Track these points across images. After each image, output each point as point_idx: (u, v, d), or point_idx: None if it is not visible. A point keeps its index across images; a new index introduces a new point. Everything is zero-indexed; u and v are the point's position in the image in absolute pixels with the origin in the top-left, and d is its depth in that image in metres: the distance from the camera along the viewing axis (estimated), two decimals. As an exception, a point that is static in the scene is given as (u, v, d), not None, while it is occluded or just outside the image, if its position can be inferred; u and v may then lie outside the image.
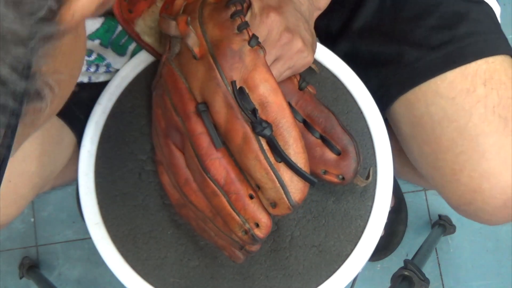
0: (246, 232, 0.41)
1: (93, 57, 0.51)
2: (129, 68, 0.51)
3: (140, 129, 0.50)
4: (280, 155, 0.38)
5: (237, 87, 0.38)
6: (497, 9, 0.56)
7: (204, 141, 0.40)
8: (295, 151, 0.38)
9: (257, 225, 0.40)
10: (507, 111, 0.49)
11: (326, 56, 0.50)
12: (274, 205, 0.39)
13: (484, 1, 0.55)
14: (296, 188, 0.38)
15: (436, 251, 1.00)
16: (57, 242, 1.02)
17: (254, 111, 0.38)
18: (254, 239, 0.40)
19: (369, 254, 0.47)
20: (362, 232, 0.48)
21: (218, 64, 0.38)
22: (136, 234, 0.49)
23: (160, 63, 0.44)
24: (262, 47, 0.39)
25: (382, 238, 0.48)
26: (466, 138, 0.49)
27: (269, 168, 0.38)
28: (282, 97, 0.38)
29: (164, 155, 0.44)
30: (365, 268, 0.93)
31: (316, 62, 0.49)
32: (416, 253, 0.80)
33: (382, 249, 0.95)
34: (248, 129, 0.38)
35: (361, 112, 0.49)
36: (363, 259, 0.47)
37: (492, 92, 0.49)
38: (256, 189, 0.40)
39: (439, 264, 1.00)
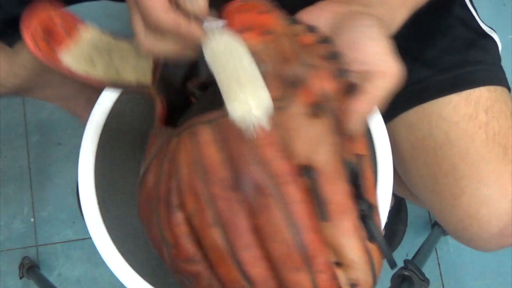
0: None
1: None
2: (129, 68, 0.51)
3: (140, 129, 0.50)
4: (373, 236, 0.33)
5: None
6: (499, 45, 0.58)
7: (304, 210, 0.31)
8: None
9: None
10: (507, 140, 0.50)
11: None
12: (354, 286, 0.33)
13: (491, 36, 0.57)
14: (378, 267, 0.34)
15: (436, 251, 1.00)
16: (57, 242, 1.02)
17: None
18: None
19: (369, 254, 0.47)
20: (362, 232, 0.48)
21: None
22: (136, 234, 0.49)
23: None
24: None
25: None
26: (468, 163, 0.50)
27: (365, 248, 0.33)
28: None
29: (223, 208, 0.32)
30: (365, 268, 0.93)
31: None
32: (416, 253, 0.80)
33: None
34: (350, 202, 0.33)
35: (361, 112, 0.49)
36: (363, 259, 0.47)
37: (493, 120, 0.50)
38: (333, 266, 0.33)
39: (439, 264, 1.00)
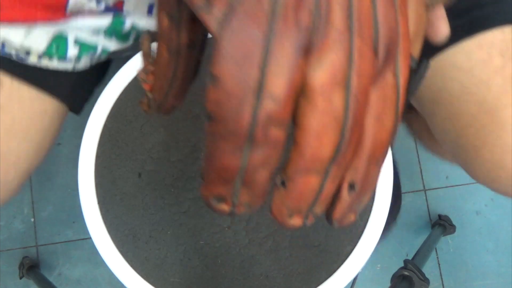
0: None
1: (98, 52, 0.52)
2: (129, 67, 0.51)
3: (140, 129, 0.50)
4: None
5: None
6: None
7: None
8: None
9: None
10: None
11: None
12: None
13: None
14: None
15: (436, 251, 1.00)
16: (57, 242, 1.02)
17: None
18: None
19: (369, 254, 0.47)
20: (362, 232, 0.48)
21: None
22: (136, 234, 0.49)
23: None
24: None
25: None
26: (486, 112, 0.48)
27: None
28: None
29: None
30: (365, 268, 0.93)
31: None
32: (416, 253, 0.80)
33: None
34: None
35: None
36: (363, 259, 0.47)
37: (510, 62, 0.48)
38: None
39: (439, 264, 1.00)
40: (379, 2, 0.24)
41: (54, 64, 0.52)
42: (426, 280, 0.64)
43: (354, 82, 0.24)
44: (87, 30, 0.52)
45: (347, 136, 0.25)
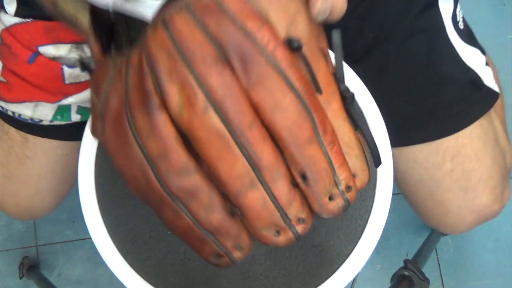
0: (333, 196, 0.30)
1: None
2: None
3: (140, 129, 0.50)
4: (357, 125, 0.32)
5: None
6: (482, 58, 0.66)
7: (300, 73, 0.28)
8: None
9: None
10: (468, 181, 0.62)
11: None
12: (355, 175, 0.31)
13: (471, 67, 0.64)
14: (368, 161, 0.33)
15: (436, 251, 1.00)
16: (57, 242, 1.02)
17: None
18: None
19: (369, 254, 0.48)
20: (362, 232, 0.48)
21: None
22: (136, 234, 0.49)
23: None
24: None
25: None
26: (435, 201, 0.65)
27: (355, 133, 0.31)
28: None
29: (215, 85, 0.28)
30: (365, 268, 0.93)
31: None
32: (416, 253, 0.80)
33: None
34: (336, 86, 0.31)
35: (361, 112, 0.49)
36: (363, 259, 0.47)
37: (458, 166, 0.62)
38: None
39: (439, 264, 1.00)
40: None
41: (64, 122, 0.63)
42: (426, 280, 0.64)
43: (228, 104, 0.27)
44: (85, 101, 0.60)
45: (245, 141, 0.27)
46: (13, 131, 0.63)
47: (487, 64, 0.65)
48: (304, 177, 0.29)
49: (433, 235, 0.89)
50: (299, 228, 0.30)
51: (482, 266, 1.00)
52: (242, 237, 0.30)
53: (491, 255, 1.00)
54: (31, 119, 0.61)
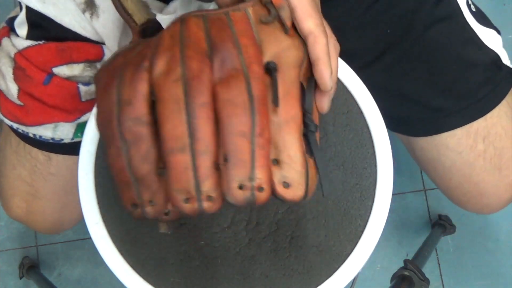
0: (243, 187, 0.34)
1: None
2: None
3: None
4: (312, 152, 0.37)
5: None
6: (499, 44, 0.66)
7: (262, 86, 0.35)
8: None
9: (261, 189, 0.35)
10: (501, 159, 0.63)
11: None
12: (287, 185, 0.35)
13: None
14: (312, 184, 0.36)
15: (436, 251, 1.00)
16: (57, 242, 1.02)
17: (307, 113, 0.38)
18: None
19: (369, 254, 0.48)
20: (362, 231, 0.48)
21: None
22: (136, 234, 0.49)
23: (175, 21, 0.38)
24: None
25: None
26: (471, 183, 0.65)
27: (304, 152, 0.36)
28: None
29: (193, 67, 0.35)
30: (365, 268, 0.93)
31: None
32: (416, 253, 0.80)
33: None
34: (300, 114, 0.36)
35: (361, 112, 0.49)
36: (363, 259, 0.47)
37: (490, 146, 0.63)
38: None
39: (439, 264, 1.00)
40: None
41: None
42: (426, 280, 0.64)
43: (188, 73, 0.33)
44: None
45: (193, 112, 0.32)
46: (35, 151, 0.64)
47: None
48: (225, 159, 0.33)
49: (433, 235, 0.89)
50: (206, 204, 0.34)
51: (482, 266, 1.00)
52: (158, 195, 0.34)
53: (491, 255, 1.00)
54: (52, 139, 0.62)
